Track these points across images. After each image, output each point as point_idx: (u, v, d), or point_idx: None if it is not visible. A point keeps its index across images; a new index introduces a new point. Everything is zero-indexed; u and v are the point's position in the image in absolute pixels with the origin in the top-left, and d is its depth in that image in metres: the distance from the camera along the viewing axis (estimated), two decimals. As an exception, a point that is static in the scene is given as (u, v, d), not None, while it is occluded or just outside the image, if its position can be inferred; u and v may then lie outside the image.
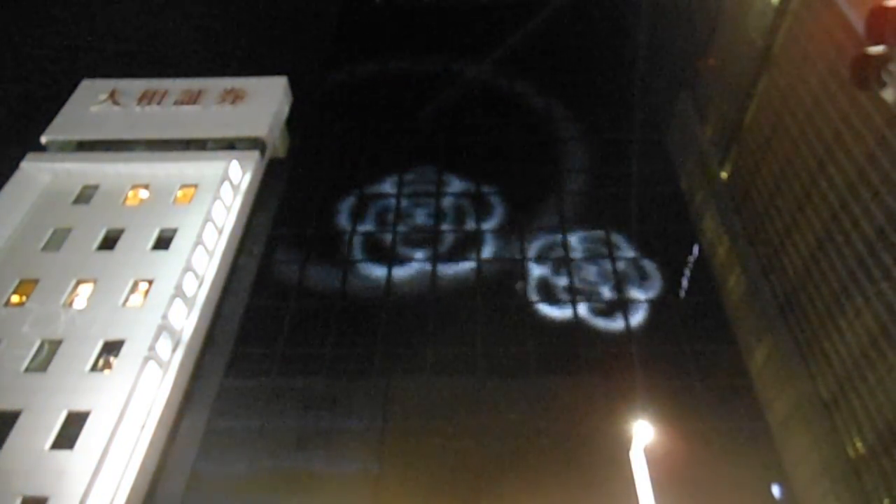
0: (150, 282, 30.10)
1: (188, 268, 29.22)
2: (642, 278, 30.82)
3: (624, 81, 41.96)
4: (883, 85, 15.16)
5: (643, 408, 25.74)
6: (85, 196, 34.76)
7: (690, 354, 27.67)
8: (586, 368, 27.38)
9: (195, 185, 34.72)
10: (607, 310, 29.63)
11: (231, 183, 33.97)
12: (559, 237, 32.89)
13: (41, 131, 37.26)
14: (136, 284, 30.22)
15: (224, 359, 28.76)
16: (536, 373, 27.44)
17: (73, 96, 39.52)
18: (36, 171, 35.19)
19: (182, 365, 27.21)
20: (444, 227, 34.05)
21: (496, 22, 48.41)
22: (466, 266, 32.03)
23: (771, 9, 29.82)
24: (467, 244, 33.02)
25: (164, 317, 27.19)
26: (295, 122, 41.16)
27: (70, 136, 37.42)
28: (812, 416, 24.83)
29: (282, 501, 23.96)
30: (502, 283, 31.16)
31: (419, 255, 32.70)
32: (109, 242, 32.16)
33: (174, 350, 27.35)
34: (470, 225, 34.03)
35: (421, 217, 34.68)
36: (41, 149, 36.92)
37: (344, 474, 24.54)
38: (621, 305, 29.66)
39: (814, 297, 25.75)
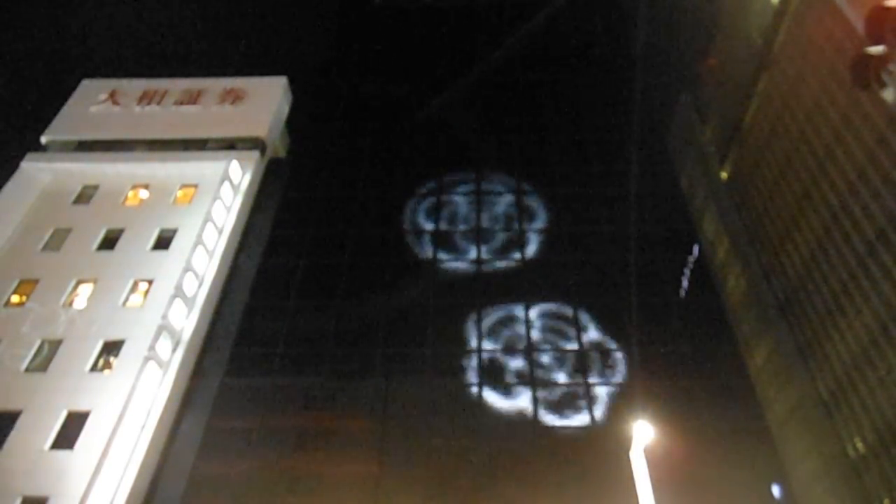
0: (150, 282, 30.08)
1: (188, 268, 29.21)
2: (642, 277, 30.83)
3: (624, 82, 41.94)
4: (883, 85, 15.16)
5: (643, 408, 25.73)
6: (85, 196, 34.74)
7: (690, 354, 27.67)
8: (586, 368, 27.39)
9: (195, 185, 34.71)
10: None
11: (231, 183, 33.97)
12: (557, 238, 32.92)
13: (41, 131, 37.25)
14: (136, 284, 30.20)
15: (224, 359, 28.75)
16: (536, 372, 27.45)
17: (73, 96, 39.48)
18: (36, 171, 35.17)
19: (182, 365, 27.20)
20: (446, 226, 34.05)
21: (496, 22, 48.38)
22: (467, 265, 32.03)
23: (771, 9, 29.81)
24: (468, 243, 33.03)
25: (164, 317, 27.17)
26: (295, 122, 41.16)
27: (70, 136, 37.41)
28: (812, 416, 24.82)
29: (282, 501, 23.95)
30: (502, 283, 31.16)
31: (420, 253, 32.70)
32: (109, 242, 32.12)
33: (174, 350, 27.34)
34: (470, 224, 34.04)
35: (422, 216, 34.69)
36: (41, 149, 36.91)
37: (344, 474, 24.53)
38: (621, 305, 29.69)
39: (814, 297, 25.73)
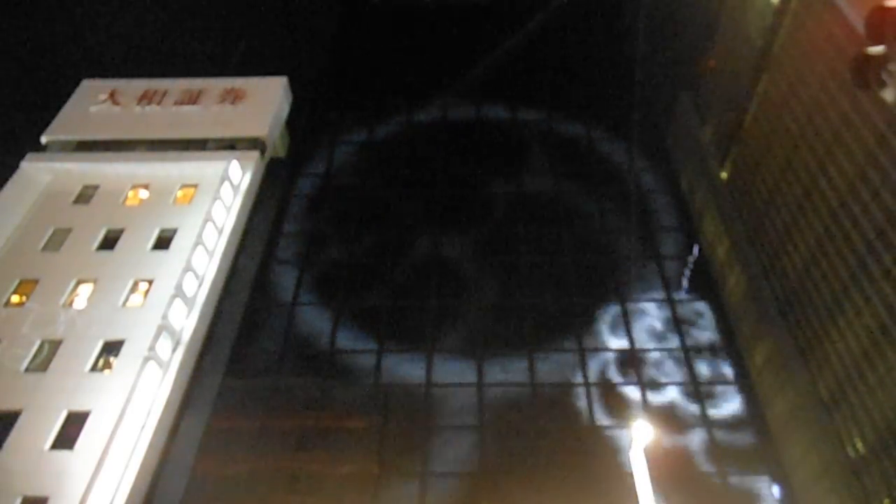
0: (150, 282, 30.07)
1: (188, 268, 29.20)
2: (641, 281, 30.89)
3: (625, 81, 41.96)
4: (883, 85, 15.17)
5: (643, 408, 25.77)
6: (85, 196, 34.73)
7: (690, 354, 27.71)
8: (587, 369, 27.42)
9: (195, 185, 34.69)
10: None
11: (231, 183, 33.95)
12: (556, 239, 32.95)
13: (41, 131, 37.25)
14: (136, 284, 30.19)
15: (224, 359, 28.78)
16: (537, 374, 27.47)
17: (73, 96, 39.48)
18: (36, 171, 35.17)
19: (182, 365, 27.18)
20: (445, 227, 34.06)
21: (496, 22, 48.44)
22: (465, 263, 32.06)
23: (771, 9, 29.78)
24: (466, 240, 33.06)
25: (164, 317, 27.16)
26: (295, 122, 41.16)
27: (70, 136, 37.41)
28: (812, 416, 24.78)
29: (282, 501, 23.98)
30: (502, 284, 31.20)
31: (419, 254, 32.71)
32: (109, 242, 32.11)
33: (174, 350, 27.32)
34: (469, 223, 34.06)
35: (422, 215, 34.70)
36: (41, 149, 36.90)
37: (344, 474, 24.55)
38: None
39: (814, 297, 25.70)
